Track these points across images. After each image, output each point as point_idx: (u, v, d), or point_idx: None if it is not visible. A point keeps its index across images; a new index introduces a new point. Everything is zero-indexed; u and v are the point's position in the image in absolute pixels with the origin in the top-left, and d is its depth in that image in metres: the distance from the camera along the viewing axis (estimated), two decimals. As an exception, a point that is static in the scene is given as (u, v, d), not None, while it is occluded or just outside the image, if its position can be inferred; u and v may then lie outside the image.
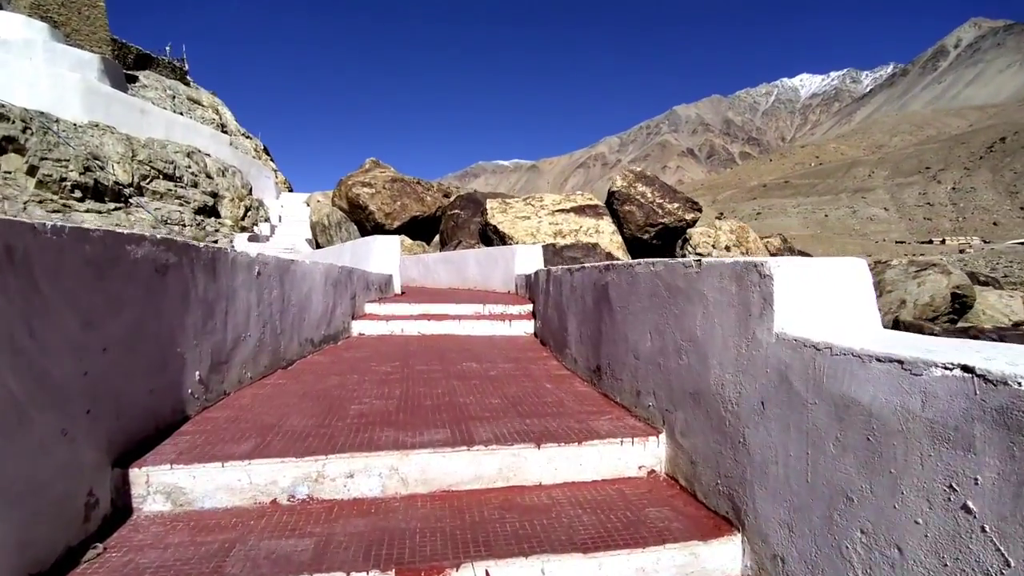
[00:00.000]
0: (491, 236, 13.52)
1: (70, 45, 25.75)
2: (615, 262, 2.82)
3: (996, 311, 12.38)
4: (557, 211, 13.55)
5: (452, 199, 19.71)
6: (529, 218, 13.39)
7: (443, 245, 18.63)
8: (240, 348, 2.72)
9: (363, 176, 21.19)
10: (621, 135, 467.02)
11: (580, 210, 13.52)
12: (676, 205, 12.99)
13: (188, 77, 40.40)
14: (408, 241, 17.15)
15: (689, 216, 12.94)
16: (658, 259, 2.26)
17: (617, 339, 2.52)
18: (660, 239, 13.28)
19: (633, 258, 12.90)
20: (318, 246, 20.45)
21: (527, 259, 7.38)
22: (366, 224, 19.92)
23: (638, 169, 14.17)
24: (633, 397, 2.31)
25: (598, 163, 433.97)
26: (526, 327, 4.80)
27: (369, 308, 5.26)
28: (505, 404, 2.43)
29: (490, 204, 13.82)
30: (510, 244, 12.91)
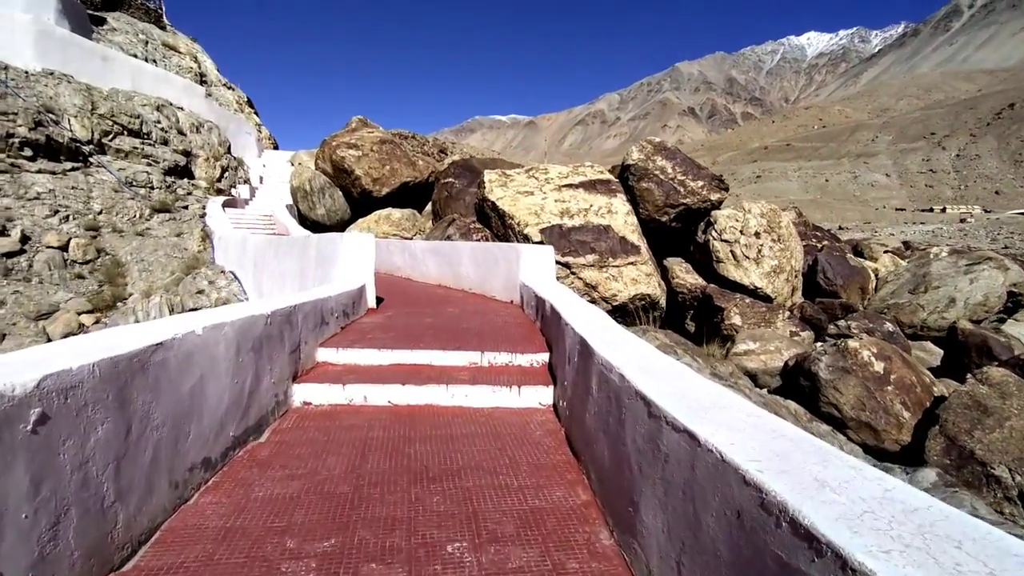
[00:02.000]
0: (488, 213, 11.96)
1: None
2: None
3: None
4: (564, 186, 11.95)
5: (446, 166, 17.94)
6: (532, 194, 11.80)
7: (435, 217, 17.02)
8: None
9: (349, 136, 19.30)
10: (621, 92, 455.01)
11: (590, 185, 11.92)
12: (700, 183, 11.43)
13: (164, 20, 37.39)
14: (396, 214, 15.58)
15: (715, 196, 11.40)
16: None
17: None
18: (680, 222, 11.78)
19: (649, 243, 11.40)
20: (299, 214, 18.79)
21: (536, 264, 5.94)
22: (352, 190, 18.22)
23: (657, 140, 12.49)
24: None
25: (597, 120, 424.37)
26: (541, 396, 3.38)
27: (323, 355, 3.83)
28: None
29: (488, 177, 12.18)
30: (510, 224, 11.37)
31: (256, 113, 38.61)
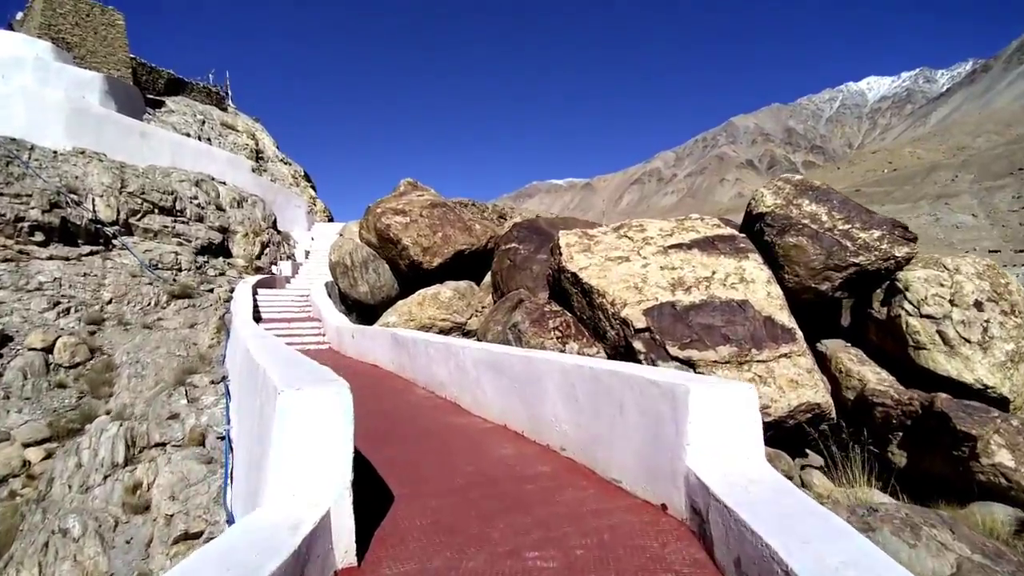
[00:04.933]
0: (567, 289, 8.76)
1: (82, 67, 23.23)
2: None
3: None
4: (671, 247, 8.62)
5: (507, 229, 15.05)
6: (628, 259, 8.53)
7: (495, 290, 13.98)
8: None
9: (396, 202, 16.92)
10: (676, 149, 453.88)
11: (707, 244, 8.54)
12: (876, 234, 7.82)
13: (228, 103, 38.18)
14: (446, 292, 12.62)
15: (900, 252, 7.71)
16: None
17: None
18: (846, 289, 8.10)
19: (799, 322, 7.68)
20: (340, 292, 16.26)
21: (723, 430, 2.61)
22: (399, 262, 15.60)
23: (797, 177, 9.03)
24: None
25: (653, 178, 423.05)
26: None
27: None
28: None
29: (565, 240, 9.06)
30: (600, 304, 8.06)
31: (313, 187, 38.09)
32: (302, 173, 37.95)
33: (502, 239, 14.24)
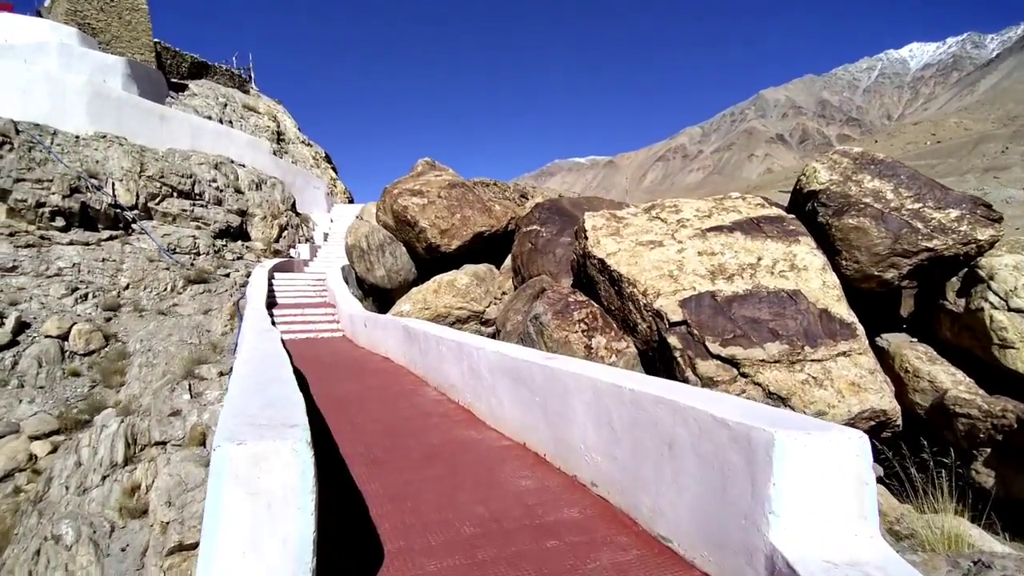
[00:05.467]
0: (594, 276, 8.03)
1: (107, 51, 23.00)
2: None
3: None
4: (710, 230, 7.79)
5: (528, 210, 14.25)
6: (662, 244, 7.74)
7: (515, 274, 13.29)
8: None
9: (413, 183, 16.25)
10: (703, 124, 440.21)
11: (752, 227, 7.68)
12: (954, 213, 6.83)
13: (250, 85, 37.83)
14: (463, 279, 11.98)
15: (983, 235, 6.72)
16: None
17: None
18: (915, 277, 7.16)
19: (859, 316, 6.69)
20: (357, 277, 15.78)
21: (822, 495, 1.88)
22: (416, 246, 15.00)
23: (857, 149, 8.03)
24: None
25: (678, 155, 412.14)
26: None
27: None
28: None
29: (591, 223, 8.29)
30: (631, 294, 7.31)
31: (334, 168, 37.70)
32: (323, 154, 37.58)
33: (523, 221, 13.48)
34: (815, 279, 6.72)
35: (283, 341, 11.09)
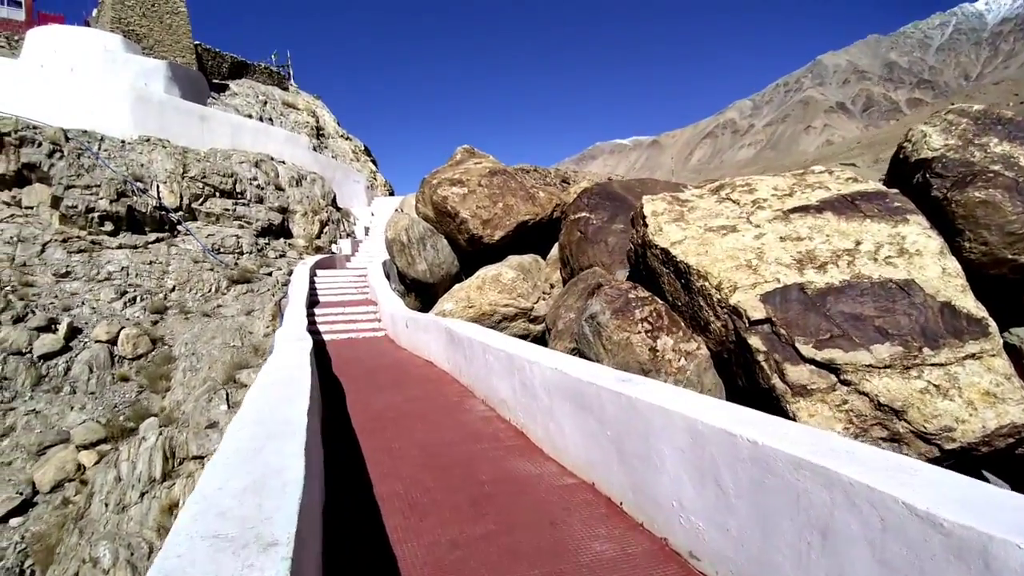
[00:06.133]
0: (655, 268, 7.16)
1: (150, 56, 23.37)
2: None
3: None
4: (793, 210, 6.77)
5: (575, 196, 13.36)
6: (736, 229, 6.78)
7: (563, 265, 12.48)
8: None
9: (452, 172, 15.60)
10: (754, 97, 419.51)
11: (846, 205, 6.62)
12: (1105, 179, 5.60)
13: (289, 82, 38.06)
14: (508, 273, 11.26)
15: None
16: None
17: None
18: (1054, 259, 5.95)
19: (990, 310, 5.49)
20: (398, 272, 15.33)
21: None
22: (458, 237, 14.38)
23: (977, 107, 6.79)
24: None
25: (727, 131, 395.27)
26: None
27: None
28: None
29: (650, 207, 7.41)
30: (701, 288, 6.41)
31: (374, 161, 37.58)
32: (363, 148, 37.49)
33: (570, 207, 12.59)
34: (932, 266, 5.64)
35: (324, 343, 10.74)
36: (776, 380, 5.64)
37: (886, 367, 5.17)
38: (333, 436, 4.59)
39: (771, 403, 5.29)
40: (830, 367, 5.39)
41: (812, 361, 5.46)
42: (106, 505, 6.50)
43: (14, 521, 6.92)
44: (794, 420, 4.79)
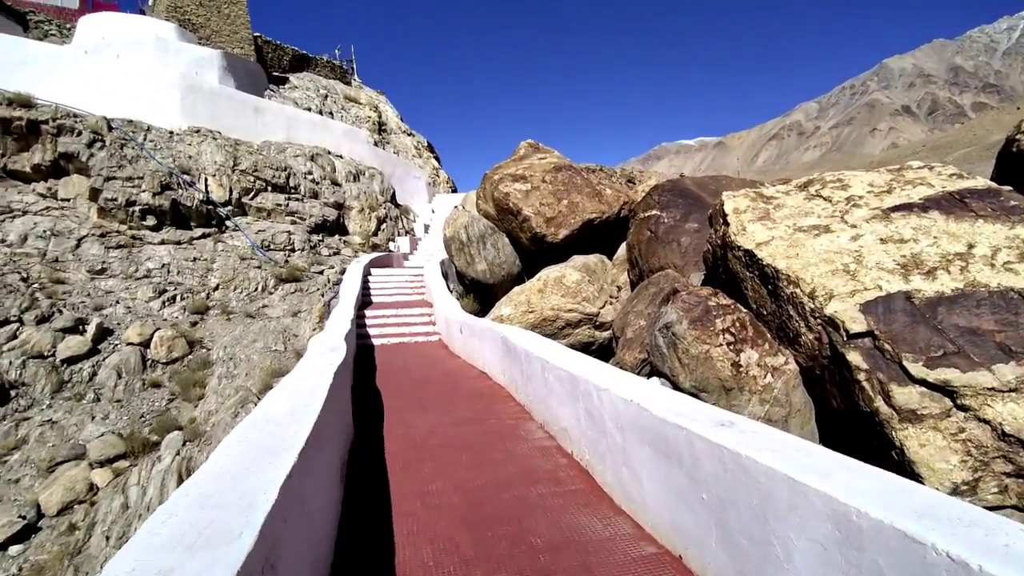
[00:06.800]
0: (737, 272, 6.12)
1: (206, 47, 23.48)
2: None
3: None
4: (893, 209, 5.69)
5: (645, 193, 12.28)
6: (828, 229, 5.69)
7: (631, 266, 11.45)
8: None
9: (515, 167, 14.73)
10: (820, 99, 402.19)
11: (953, 203, 5.47)
12: None
13: (352, 77, 37.97)
14: (572, 275, 10.26)
15: None
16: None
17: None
18: None
19: None
20: (456, 272, 14.65)
21: None
22: (520, 236, 13.51)
23: None
24: None
25: (793, 132, 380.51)
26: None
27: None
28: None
29: (731, 204, 6.35)
30: (792, 296, 5.29)
31: (436, 157, 37.13)
32: (425, 144, 37.07)
33: (639, 206, 11.54)
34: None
35: (372, 348, 10.09)
36: (880, 403, 4.60)
37: (1011, 390, 4.11)
38: (360, 470, 3.89)
39: (872, 429, 4.44)
40: (944, 389, 4.31)
41: (923, 382, 4.41)
42: (107, 539, 5.83)
43: (14, 549, 6.21)
44: (901, 450, 3.98)
